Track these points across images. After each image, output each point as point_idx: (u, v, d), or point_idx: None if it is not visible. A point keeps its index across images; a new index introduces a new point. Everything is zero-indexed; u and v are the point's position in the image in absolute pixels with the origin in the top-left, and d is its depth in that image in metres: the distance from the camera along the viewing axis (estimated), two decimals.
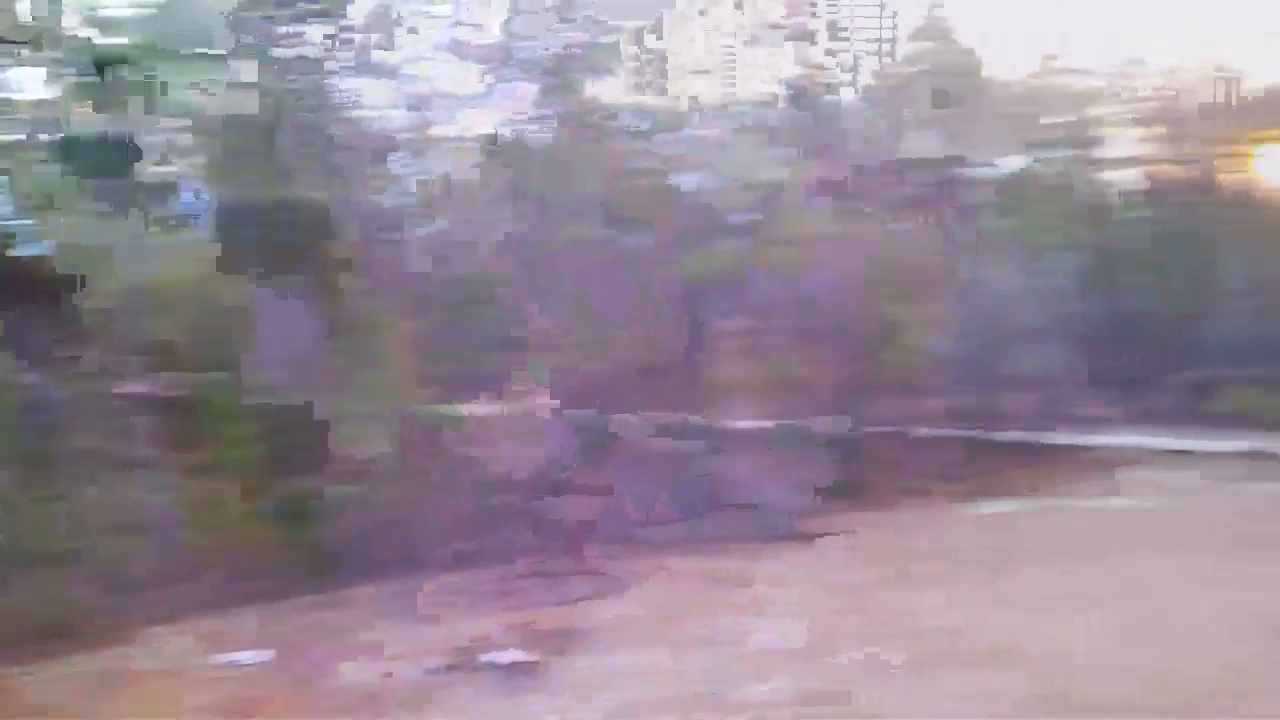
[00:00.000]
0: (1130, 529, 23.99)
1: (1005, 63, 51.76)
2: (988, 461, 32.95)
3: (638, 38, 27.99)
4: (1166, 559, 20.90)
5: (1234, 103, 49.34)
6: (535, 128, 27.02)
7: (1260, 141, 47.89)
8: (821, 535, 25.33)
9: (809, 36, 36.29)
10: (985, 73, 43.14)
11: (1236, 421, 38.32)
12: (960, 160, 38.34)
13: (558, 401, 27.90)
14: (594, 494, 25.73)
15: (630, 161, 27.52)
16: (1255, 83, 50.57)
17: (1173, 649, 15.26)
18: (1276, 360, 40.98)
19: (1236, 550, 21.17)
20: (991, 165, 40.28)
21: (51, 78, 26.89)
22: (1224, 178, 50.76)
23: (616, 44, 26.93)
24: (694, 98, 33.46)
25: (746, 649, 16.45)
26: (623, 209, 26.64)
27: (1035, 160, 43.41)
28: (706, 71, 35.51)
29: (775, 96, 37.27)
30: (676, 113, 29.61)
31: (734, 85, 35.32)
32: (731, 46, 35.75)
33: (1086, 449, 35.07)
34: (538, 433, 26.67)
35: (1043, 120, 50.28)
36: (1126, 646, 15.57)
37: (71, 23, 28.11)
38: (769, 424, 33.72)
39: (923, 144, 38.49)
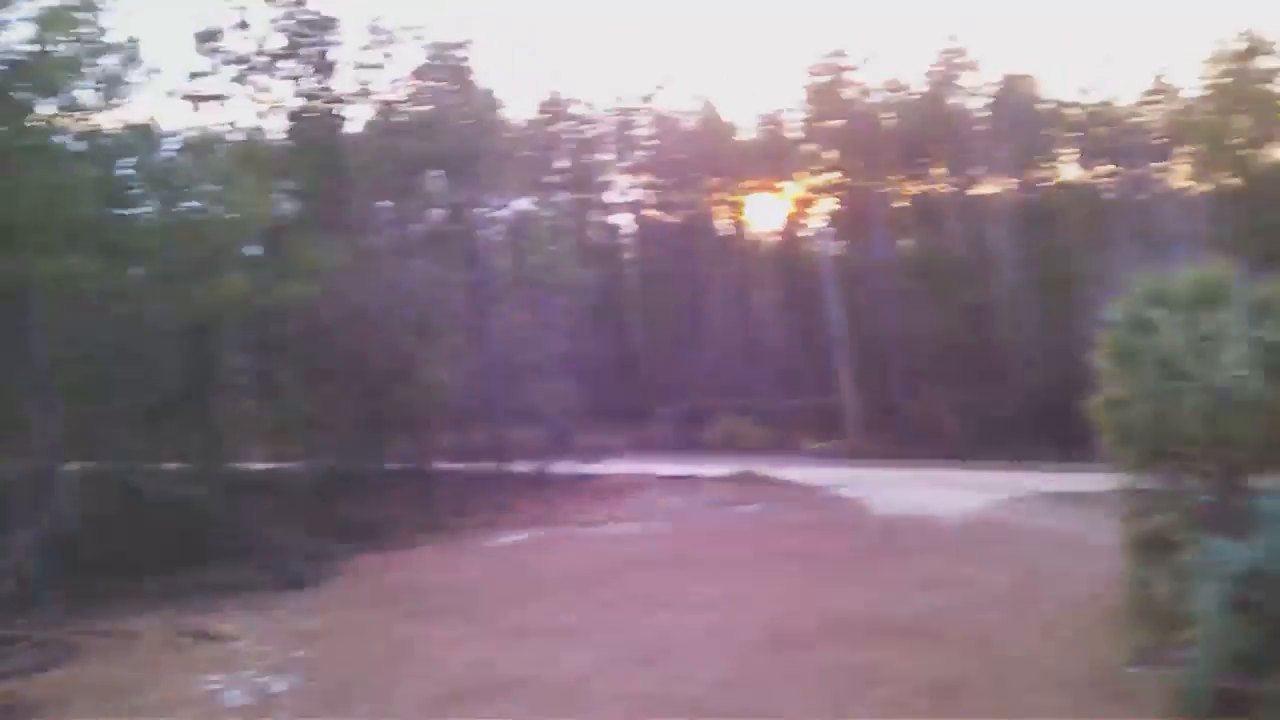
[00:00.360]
0: (635, 552, 25.15)
1: (523, 105, 53.21)
2: (502, 494, 33.62)
3: (129, 56, 25.99)
4: (668, 579, 22.00)
5: (729, 150, 53.14)
6: None
7: (751, 189, 52.02)
8: (335, 577, 24.82)
9: (322, 68, 35.55)
10: (502, 114, 44.09)
11: (725, 447, 41.46)
12: (472, 200, 38.97)
13: (50, 449, 25.57)
14: (90, 550, 23.84)
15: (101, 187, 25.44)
16: (748, 132, 54.62)
17: (671, 670, 16.01)
18: (756, 391, 44.67)
19: (729, 569, 22.66)
20: (502, 206, 41.25)
21: None
22: (716, 222, 54.77)
23: (75, 59, 24.80)
24: (193, 123, 31.83)
25: (217, 707, 15.71)
26: (97, 236, 24.54)
27: (542, 202, 44.88)
28: (210, 97, 33.95)
29: (281, 126, 36.26)
30: (160, 136, 27.83)
31: (238, 112, 34.00)
32: (236, 73, 34.40)
33: (594, 477, 36.56)
34: (27, 485, 24.35)
35: (555, 164, 52.19)
36: (630, 670, 16.17)
37: None
38: (284, 465, 32.80)
39: (435, 183, 38.81)
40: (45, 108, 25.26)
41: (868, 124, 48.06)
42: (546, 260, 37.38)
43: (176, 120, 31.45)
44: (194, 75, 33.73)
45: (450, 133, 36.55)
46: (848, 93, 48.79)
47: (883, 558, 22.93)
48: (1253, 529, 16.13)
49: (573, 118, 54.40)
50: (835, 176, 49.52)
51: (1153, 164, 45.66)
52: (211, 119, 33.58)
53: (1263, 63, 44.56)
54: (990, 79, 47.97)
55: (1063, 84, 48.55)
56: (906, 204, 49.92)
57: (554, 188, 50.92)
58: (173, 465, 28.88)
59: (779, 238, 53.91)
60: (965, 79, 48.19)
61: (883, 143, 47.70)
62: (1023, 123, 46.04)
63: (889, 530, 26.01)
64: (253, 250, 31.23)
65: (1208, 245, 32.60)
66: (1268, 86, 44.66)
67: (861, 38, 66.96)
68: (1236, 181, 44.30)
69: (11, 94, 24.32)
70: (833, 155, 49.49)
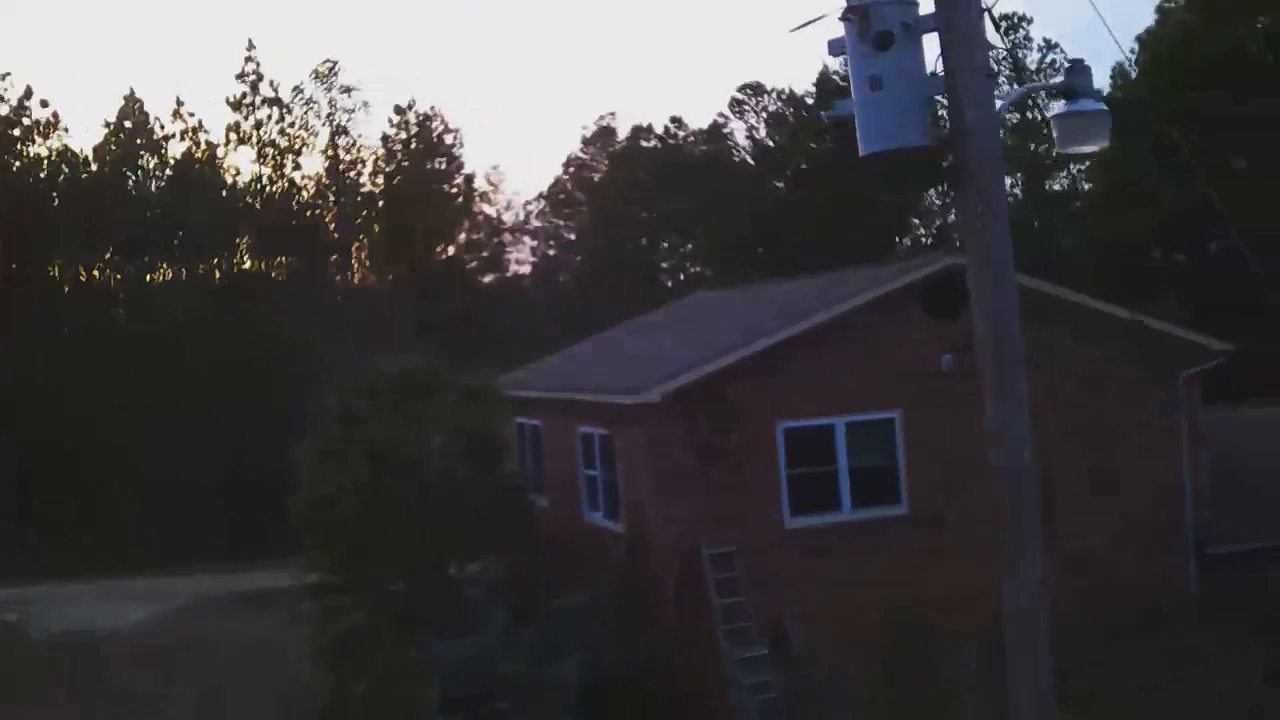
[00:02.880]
0: None
1: None
2: None
3: None
4: None
5: None
6: None
7: None
8: None
9: None
10: None
11: None
12: None
13: None
14: None
15: None
16: None
17: None
18: None
19: None
20: None
21: None
22: None
23: None
24: None
25: None
26: None
27: None
28: None
29: None
30: None
31: None
32: None
33: None
34: None
35: None
36: None
37: None
38: None
39: None
40: None
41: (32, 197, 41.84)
42: None
43: None
44: None
45: None
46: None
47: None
48: (468, 624, 15.82)
49: None
50: None
51: (333, 256, 45.64)
52: None
53: (438, 159, 46.59)
54: (170, 156, 44.00)
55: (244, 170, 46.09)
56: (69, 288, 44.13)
57: None
58: None
59: None
60: (145, 156, 43.81)
61: (48, 220, 41.73)
62: (205, 207, 42.54)
63: (54, 653, 22.41)
64: None
65: (395, 336, 32.95)
66: (443, 186, 46.84)
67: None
68: (413, 274, 45.46)
69: None
70: None
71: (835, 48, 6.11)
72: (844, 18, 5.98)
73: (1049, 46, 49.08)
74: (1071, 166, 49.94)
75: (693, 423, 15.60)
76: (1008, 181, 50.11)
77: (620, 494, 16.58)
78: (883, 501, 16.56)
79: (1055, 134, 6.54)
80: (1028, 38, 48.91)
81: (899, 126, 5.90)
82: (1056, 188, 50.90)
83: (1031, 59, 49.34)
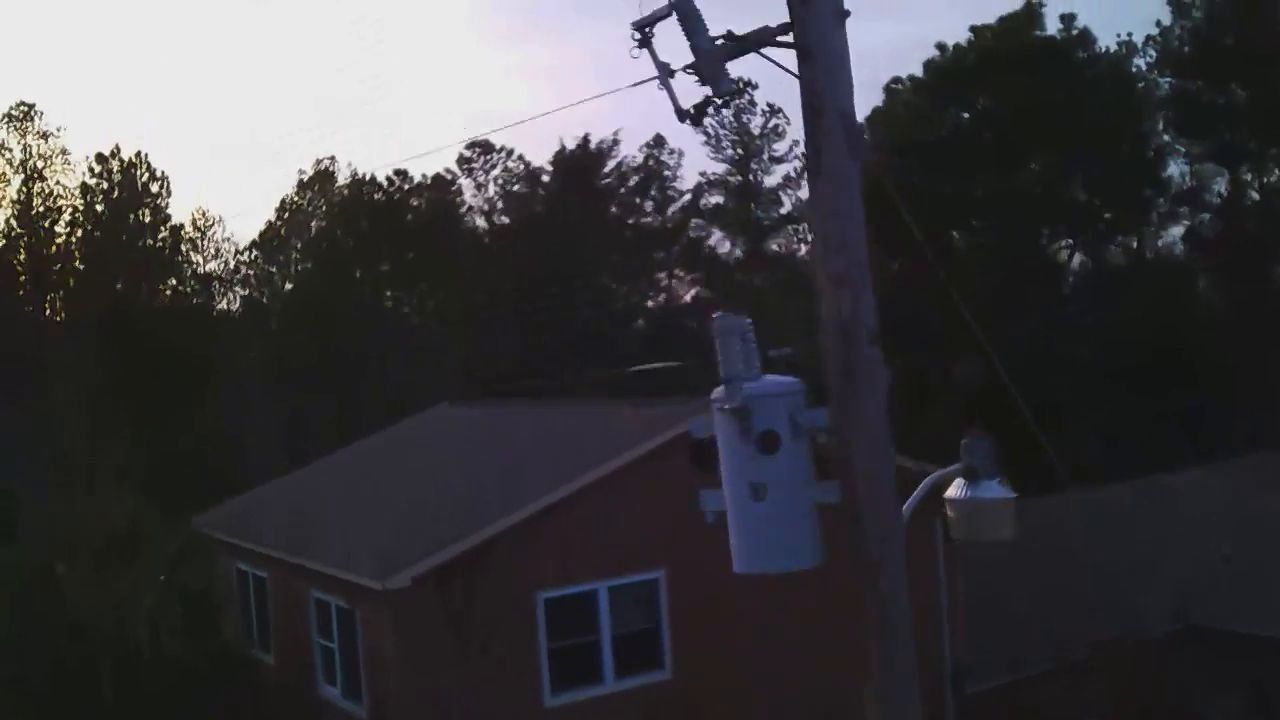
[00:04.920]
0: None
1: None
2: None
3: None
4: None
5: None
6: None
7: None
8: None
9: None
10: None
11: None
12: None
13: None
14: None
15: None
16: None
17: None
18: None
19: None
20: None
21: None
22: None
23: None
24: None
25: None
26: None
27: None
28: None
29: None
30: None
31: None
32: None
33: None
34: None
35: None
36: None
37: None
38: None
39: None
40: None
41: None
42: None
43: None
44: None
45: None
46: None
47: None
48: None
49: None
50: None
51: (28, 308, 41.55)
52: None
53: (142, 210, 43.02)
54: None
55: None
56: None
57: None
58: None
59: None
60: None
61: None
62: None
63: None
64: None
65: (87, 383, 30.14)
66: (148, 239, 43.22)
67: None
68: (110, 318, 41.69)
69: None
70: None
71: (701, 429, 5.16)
72: (722, 408, 5.03)
73: (772, 111, 49.27)
74: (790, 229, 50.81)
75: (446, 600, 14.07)
76: (726, 245, 50.43)
77: (362, 672, 14.94)
78: (646, 668, 15.59)
79: (951, 518, 5.70)
80: (752, 102, 48.72)
81: (785, 544, 5.20)
82: (775, 248, 51.62)
83: (755, 123, 49.49)
